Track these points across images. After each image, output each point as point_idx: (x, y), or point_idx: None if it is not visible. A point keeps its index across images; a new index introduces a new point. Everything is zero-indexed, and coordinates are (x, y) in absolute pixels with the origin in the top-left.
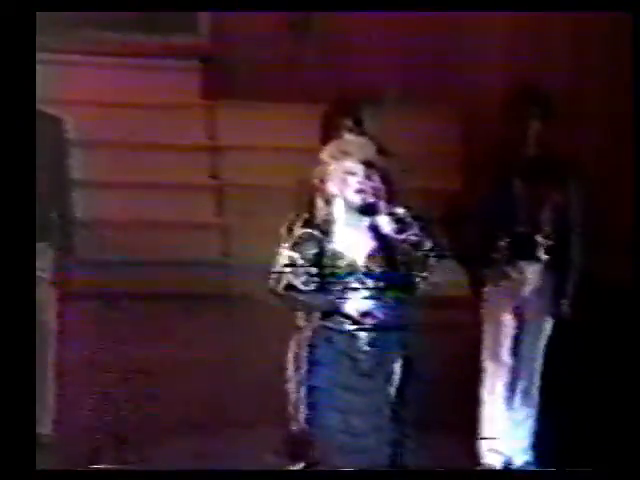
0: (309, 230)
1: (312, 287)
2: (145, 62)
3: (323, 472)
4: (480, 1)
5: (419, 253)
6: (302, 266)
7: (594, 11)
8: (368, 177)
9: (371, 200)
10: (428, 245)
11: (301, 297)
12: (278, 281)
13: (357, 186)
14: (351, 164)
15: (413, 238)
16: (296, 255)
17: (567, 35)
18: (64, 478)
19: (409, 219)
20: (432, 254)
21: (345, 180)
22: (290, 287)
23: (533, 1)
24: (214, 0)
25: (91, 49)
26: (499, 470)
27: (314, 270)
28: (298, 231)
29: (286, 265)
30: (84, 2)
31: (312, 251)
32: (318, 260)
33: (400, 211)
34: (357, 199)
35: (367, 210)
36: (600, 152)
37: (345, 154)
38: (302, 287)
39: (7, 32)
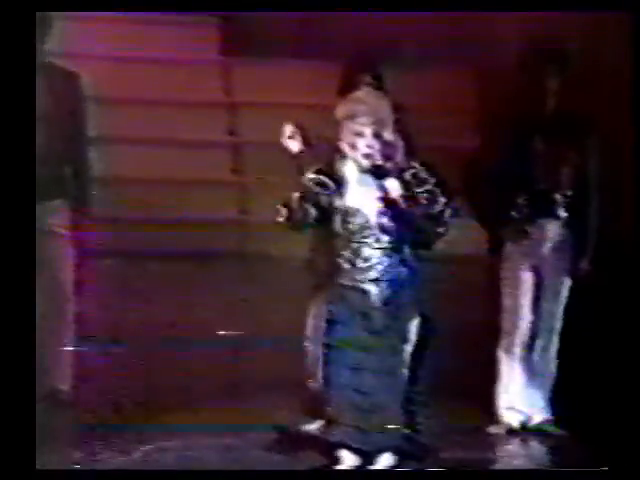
0: (320, 176)
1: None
2: (163, 18)
3: (324, 472)
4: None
5: (433, 209)
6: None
7: (594, 11)
8: (378, 136)
9: (380, 162)
10: (442, 201)
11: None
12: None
13: (364, 149)
14: (359, 126)
15: (427, 194)
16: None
17: None
18: (64, 478)
19: (424, 174)
20: (447, 210)
21: (354, 142)
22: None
23: (535, 1)
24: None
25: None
26: (499, 470)
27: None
28: (310, 175)
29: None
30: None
31: (320, 196)
32: (324, 208)
33: (416, 166)
34: (364, 162)
35: (375, 172)
36: (614, 110)
37: (355, 114)
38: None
39: (7, 32)
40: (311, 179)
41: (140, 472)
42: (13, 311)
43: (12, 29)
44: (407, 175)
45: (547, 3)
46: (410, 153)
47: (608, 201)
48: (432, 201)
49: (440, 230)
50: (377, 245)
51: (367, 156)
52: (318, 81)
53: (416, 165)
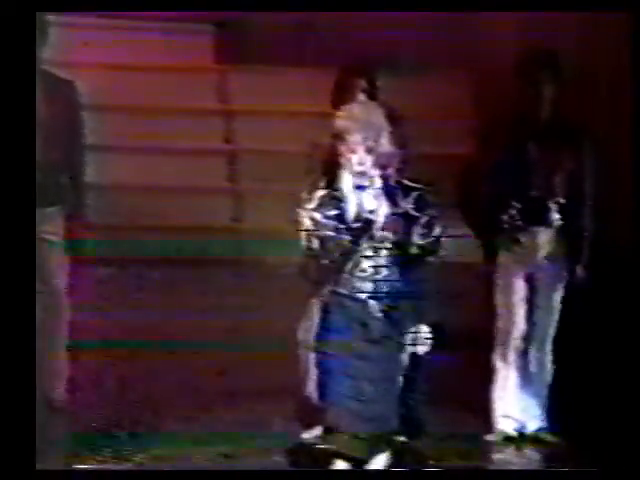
0: (330, 191)
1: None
2: (159, 25)
3: (323, 472)
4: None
5: (434, 233)
6: (324, 227)
7: (594, 11)
8: (370, 151)
9: (374, 177)
10: (440, 227)
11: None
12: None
13: (356, 166)
14: (352, 142)
15: (431, 215)
16: (318, 216)
17: None
18: (64, 478)
19: (429, 197)
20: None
21: (348, 157)
22: (310, 249)
23: (534, 1)
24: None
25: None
26: (497, 470)
27: (336, 229)
28: (320, 192)
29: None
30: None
31: (334, 212)
32: (341, 220)
33: (422, 187)
34: (357, 177)
35: (373, 184)
36: (610, 116)
37: (347, 130)
38: (316, 247)
39: (7, 32)
40: (323, 196)
41: (140, 473)
42: (12, 316)
43: (12, 31)
44: (414, 195)
45: (547, 3)
46: (407, 163)
47: (603, 208)
48: (431, 225)
49: (439, 252)
50: (375, 255)
51: (359, 171)
52: (314, 89)
53: (422, 187)
